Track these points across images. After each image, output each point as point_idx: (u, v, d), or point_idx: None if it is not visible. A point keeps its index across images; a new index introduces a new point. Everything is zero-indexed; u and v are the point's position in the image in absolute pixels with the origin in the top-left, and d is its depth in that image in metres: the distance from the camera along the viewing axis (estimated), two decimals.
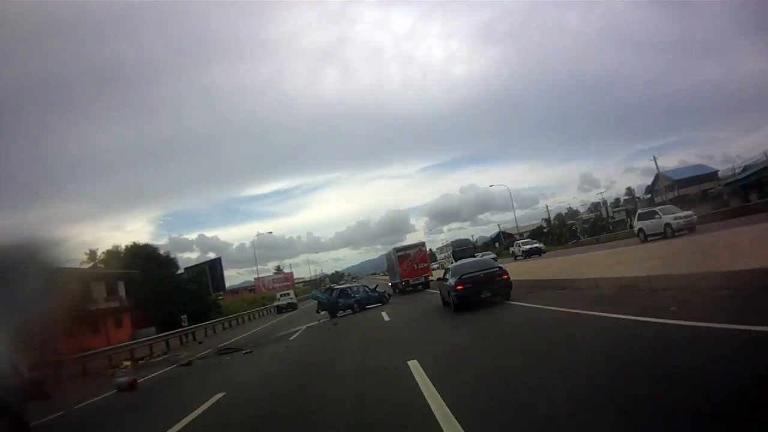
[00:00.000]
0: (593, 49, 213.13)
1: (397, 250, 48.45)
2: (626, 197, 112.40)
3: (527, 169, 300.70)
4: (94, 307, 49.68)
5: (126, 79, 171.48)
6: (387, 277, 59.38)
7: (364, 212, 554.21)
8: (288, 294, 73.40)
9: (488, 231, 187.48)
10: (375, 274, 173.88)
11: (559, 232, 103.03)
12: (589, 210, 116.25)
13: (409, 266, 46.56)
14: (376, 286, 40.83)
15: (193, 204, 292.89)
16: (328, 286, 61.75)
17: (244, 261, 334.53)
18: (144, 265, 59.65)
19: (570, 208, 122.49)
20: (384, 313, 27.11)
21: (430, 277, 45.39)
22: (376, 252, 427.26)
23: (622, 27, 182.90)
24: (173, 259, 68.67)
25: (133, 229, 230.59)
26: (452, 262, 54.03)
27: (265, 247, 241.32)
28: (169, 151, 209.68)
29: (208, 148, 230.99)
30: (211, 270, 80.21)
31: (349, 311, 34.35)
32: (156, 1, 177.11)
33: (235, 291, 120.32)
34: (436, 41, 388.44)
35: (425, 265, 47.88)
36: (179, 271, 70.75)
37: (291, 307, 67.06)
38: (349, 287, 38.00)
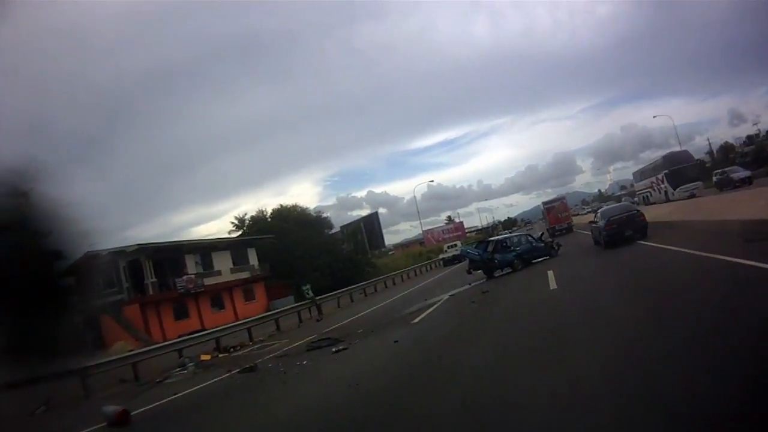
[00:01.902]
0: None
1: (545, 203, 59.02)
2: None
3: (681, 105, 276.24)
4: (215, 280, 44.08)
5: (273, 48, 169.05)
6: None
7: (532, 156, 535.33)
8: (454, 246, 64.06)
9: None
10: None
11: (724, 165, 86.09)
12: (744, 143, 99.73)
13: (554, 216, 54.72)
14: (542, 234, 32.53)
15: (360, 162, 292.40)
16: (446, 248, 54.39)
17: (415, 214, 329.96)
18: (291, 227, 52.39)
19: (727, 142, 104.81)
20: (551, 274, 18.60)
21: (572, 223, 55.56)
22: (547, 196, 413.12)
23: None
24: (325, 218, 61.29)
25: (298, 193, 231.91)
26: (665, 189, 49.00)
27: (436, 198, 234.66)
28: (328, 113, 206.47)
29: (368, 106, 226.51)
30: (367, 226, 71.38)
31: (508, 270, 25.50)
32: None
33: (406, 245, 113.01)
34: None
35: (567, 213, 56.13)
36: (334, 231, 62.54)
37: (457, 259, 58.39)
38: (507, 238, 28.27)
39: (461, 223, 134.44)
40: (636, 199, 57.79)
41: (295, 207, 59.48)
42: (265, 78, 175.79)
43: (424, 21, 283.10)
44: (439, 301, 20.90)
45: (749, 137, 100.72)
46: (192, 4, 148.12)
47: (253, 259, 48.33)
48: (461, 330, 12.75)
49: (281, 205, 59.51)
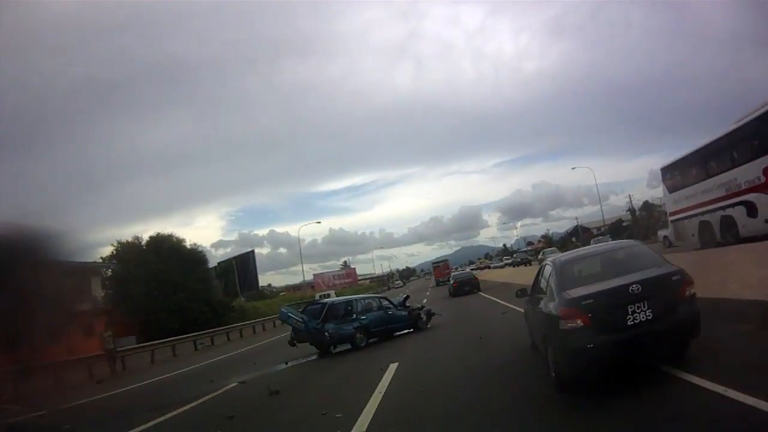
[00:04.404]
0: (659, 44, 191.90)
1: (433, 262, 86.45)
2: None
3: (597, 165, 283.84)
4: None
5: (195, 77, 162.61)
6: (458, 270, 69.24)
7: (438, 208, 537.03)
8: (327, 296, 53.49)
9: (560, 227, 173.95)
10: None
11: (646, 224, 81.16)
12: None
13: (439, 272, 76.83)
14: (406, 298, 21.73)
15: (266, 200, 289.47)
16: (318, 297, 48.06)
17: (315, 256, 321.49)
18: (151, 259, 44.74)
19: (647, 201, 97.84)
20: (392, 370, 11.54)
21: (449, 279, 57.62)
22: (450, 248, 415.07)
23: (686, 21, 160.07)
24: (200, 253, 52.70)
25: (203, 225, 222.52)
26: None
27: (336, 242, 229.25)
28: (242, 148, 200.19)
29: (282, 145, 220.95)
30: (242, 266, 63.58)
31: (348, 345, 17.72)
32: None
33: (298, 288, 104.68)
34: (506, 36, 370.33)
35: (447, 271, 73.66)
36: (208, 267, 54.70)
37: None
38: (349, 302, 18.96)
39: (353, 269, 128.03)
40: (668, 233, 26.90)
41: (170, 236, 51.27)
42: (184, 105, 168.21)
43: (347, 64, 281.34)
44: (212, 393, 13.22)
45: None
46: (120, 23, 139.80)
47: (96, 289, 39.88)
48: None
49: (158, 234, 51.13)
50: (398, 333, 18.74)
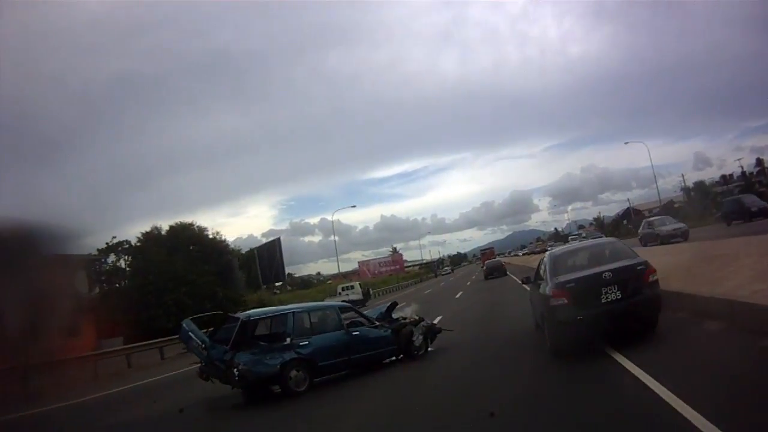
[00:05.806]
0: (700, 25, 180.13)
1: (481, 249, 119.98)
2: (756, 168, 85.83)
3: (643, 148, 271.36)
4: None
5: (240, 69, 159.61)
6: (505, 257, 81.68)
7: (490, 193, 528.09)
8: (351, 288, 46.44)
9: (611, 210, 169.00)
10: (502, 254, 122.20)
11: (702, 204, 73.70)
12: (718, 183, 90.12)
13: (486, 258, 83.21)
14: (392, 306, 13.41)
15: (317, 188, 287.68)
16: (340, 290, 45.73)
17: (366, 244, 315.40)
18: (168, 250, 40.59)
19: (702, 181, 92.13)
20: None
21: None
22: (502, 232, 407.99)
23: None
24: (222, 242, 48.19)
25: (255, 214, 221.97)
26: None
27: (389, 229, 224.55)
28: (291, 137, 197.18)
29: (331, 133, 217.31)
30: (268, 255, 58.87)
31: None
32: None
33: (345, 275, 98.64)
34: (549, 21, 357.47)
35: (494, 256, 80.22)
36: (231, 258, 50.26)
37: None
38: (283, 315, 11.11)
39: (400, 255, 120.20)
40: None
41: (191, 225, 46.83)
42: (230, 97, 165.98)
43: (394, 51, 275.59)
44: None
45: (723, 177, 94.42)
46: (164, 17, 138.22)
47: (82, 284, 35.19)
48: None
49: (178, 222, 46.54)
50: (386, 360, 11.81)
